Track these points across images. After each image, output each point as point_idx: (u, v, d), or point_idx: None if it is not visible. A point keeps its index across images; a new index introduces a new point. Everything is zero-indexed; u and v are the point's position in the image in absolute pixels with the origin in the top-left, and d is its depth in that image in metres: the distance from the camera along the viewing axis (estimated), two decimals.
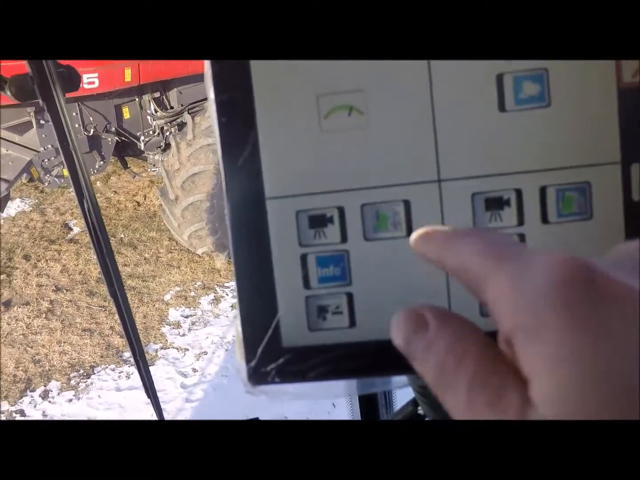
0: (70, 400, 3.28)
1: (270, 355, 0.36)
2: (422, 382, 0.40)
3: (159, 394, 3.19)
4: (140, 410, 3.09)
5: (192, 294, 4.06)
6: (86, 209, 0.75)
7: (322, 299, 0.36)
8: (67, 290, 4.11)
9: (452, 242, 0.24)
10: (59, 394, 3.34)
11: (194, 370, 3.44)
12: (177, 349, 3.61)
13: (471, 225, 0.35)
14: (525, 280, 0.19)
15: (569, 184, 0.35)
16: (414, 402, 0.47)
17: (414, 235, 0.27)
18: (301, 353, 0.36)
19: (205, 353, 3.56)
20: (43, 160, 3.82)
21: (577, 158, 0.35)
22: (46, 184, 3.99)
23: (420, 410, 0.46)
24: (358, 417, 0.57)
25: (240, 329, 0.36)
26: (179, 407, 3.16)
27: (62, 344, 3.66)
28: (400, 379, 0.37)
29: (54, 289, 4.12)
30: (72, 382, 3.41)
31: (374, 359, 0.36)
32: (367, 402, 0.55)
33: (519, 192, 0.35)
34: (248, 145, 0.36)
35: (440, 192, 0.35)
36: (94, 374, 3.46)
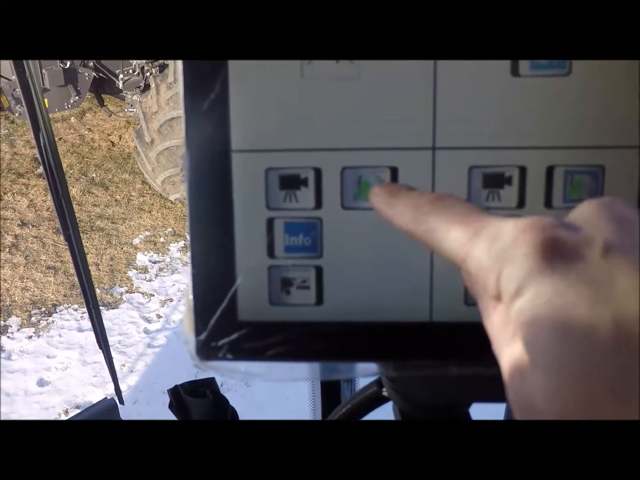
0: (30, 337, 3.26)
1: (224, 329, 0.32)
2: (392, 372, 0.36)
3: (121, 338, 3.19)
4: (100, 352, 3.07)
5: (162, 239, 4.01)
6: (42, 145, 0.69)
7: (287, 270, 0.32)
8: (33, 226, 4.02)
9: (425, 204, 0.24)
10: (18, 329, 3.31)
11: (159, 316, 3.42)
12: (143, 293, 3.58)
13: None
14: (503, 247, 0.21)
15: (579, 166, 0.31)
16: (378, 383, 0.45)
17: (377, 189, 0.27)
18: (259, 329, 0.32)
19: (171, 300, 3.54)
20: (14, 90, 3.69)
21: (591, 138, 0.31)
22: (16, 114, 3.89)
23: (385, 393, 0.43)
24: (319, 392, 0.55)
25: (191, 296, 0.32)
26: (140, 351, 3.15)
27: (24, 280, 3.61)
28: (366, 367, 0.34)
29: (20, 223, 4.04)
30: (33, 319, 3.37)
31: (339, 342, 0.32)
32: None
33: (522, 170, 0.31)
34: (216, 87, 0.31)
35: (434, 162, 0.31)
36: (56, 312, 3.44)
